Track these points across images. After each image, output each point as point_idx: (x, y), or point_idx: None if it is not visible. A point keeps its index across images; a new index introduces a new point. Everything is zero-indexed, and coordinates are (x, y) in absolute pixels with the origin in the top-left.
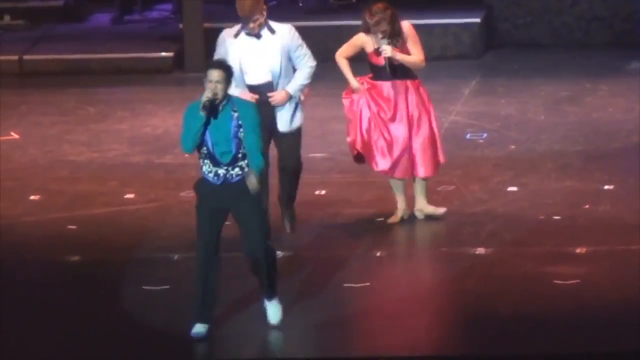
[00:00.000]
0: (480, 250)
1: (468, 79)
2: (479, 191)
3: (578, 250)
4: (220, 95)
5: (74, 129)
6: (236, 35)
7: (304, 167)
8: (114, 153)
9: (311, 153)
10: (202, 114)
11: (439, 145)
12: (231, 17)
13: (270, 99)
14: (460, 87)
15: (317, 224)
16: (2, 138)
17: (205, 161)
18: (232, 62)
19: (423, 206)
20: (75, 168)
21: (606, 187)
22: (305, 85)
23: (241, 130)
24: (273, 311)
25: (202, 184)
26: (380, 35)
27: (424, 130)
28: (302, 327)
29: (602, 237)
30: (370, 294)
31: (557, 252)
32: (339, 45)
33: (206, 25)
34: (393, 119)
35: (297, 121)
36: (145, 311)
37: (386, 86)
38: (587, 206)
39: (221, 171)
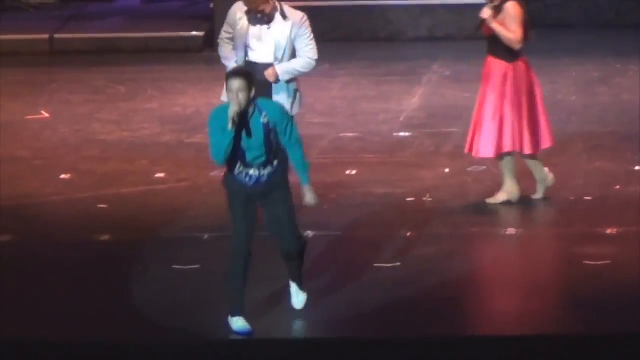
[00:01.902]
0: (511, 231)
1: None
2: None
3: (609, 231)
4: (244, 104)
5: (104, 107)
6: (248, 12)
7: (336, 146)
8: (144, 132)
9: (342, 133)
10: (231, 129)
11: (506, 133)
12: None
13: None
14: None
15: (348, 204)
16: (32, 117)
17: (236, 162)
18: (239, 35)
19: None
20: (106, 147)
21: (637, 167)
22: (299, 74)
23: (272, 134)
24: (299, 299)
25: (231, 181)
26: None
27: (496, 114)
28: (330, 307)
29: (633, 218)
30: (400, 274)
31: (588, 233)
32: (369, 26)
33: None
34: (482, 99)
35: (295, 109)
36: (175, 290)
37: (486, 61)
38: (617, 187)
39: (253, 172)
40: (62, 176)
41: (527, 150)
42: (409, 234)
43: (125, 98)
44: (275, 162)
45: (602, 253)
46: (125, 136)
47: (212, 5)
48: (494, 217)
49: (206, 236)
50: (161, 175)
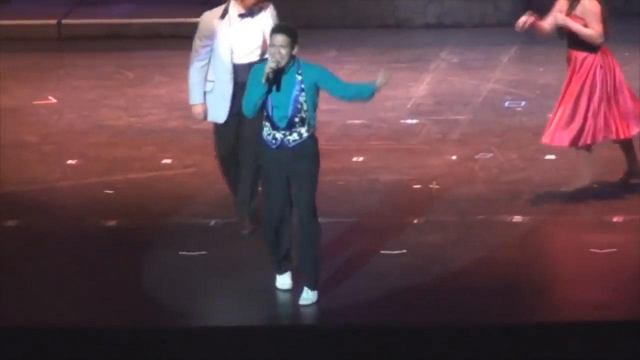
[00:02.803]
0: (517, 218)
1: (507, 46)
2: (517, 159)
3: (615, 219)
4: (284, 61)
5: (112, 93)
6: (223, 16)
7: (343, 133)
8: (151, 118)
9: (349, 120)
10: (265, 83)
11: (587, 124)
12: None
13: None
14: (499, 54)
15: (355, 191)
16: (40, 102)
17: (266, 124)
18: (223, 46)
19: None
20: (113, 133)
21: None
22: None
23: (303, 94)
24: (307, 297)
25: (262, 146)
26: None
27: (576, 104)
28: (337, 294)
29: (639, 206)
30: (407, 261)
31: (594, 221)
32: (378, 12)
33: None
34: (565, 88)
35: None
36: (182, 276)
37: (569, 54)
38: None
39: (278, 135)
40: (69, 162)
41: (622, 135)
42: (416, 221)
43: (133, 84)
44: (305, 134)
45: (608, 241)
46: (132, 122)
47: None
48: (501, 205)
49: (213, 222)
50: (168, 161)
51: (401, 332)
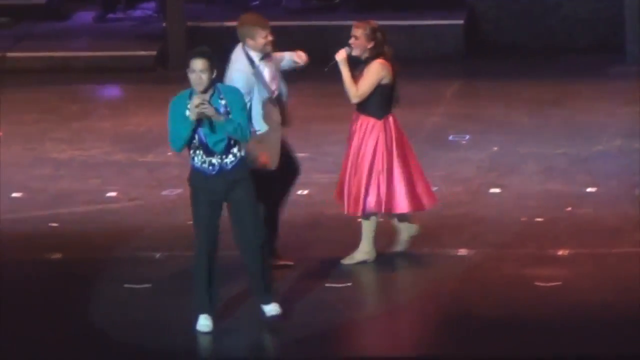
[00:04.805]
0: (462, 252)
1: (450, 80)
2: (461, 193)
3: (560, 253)
4: (205, 84)
5: (56, 127)
6: (251, 63)
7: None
8: (96, 151)
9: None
10: (193, 120)
11: (372, 192)
12: (213, 16)
13: None
14: (442, 89)
15: (300, 224)
16: None
17: (198, 152)
18: (265, 85)
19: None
20: (57, 166)
21: (588, 189)
22: None
23: (230, 116)
24: (271, 308)
25: (195, 176)
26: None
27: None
28: (281, 328)
29: (584, 240)
30: (352, 295)
31: (539, 255)
32: (321, 46)
33: (189, 24)
34: (348, 153)
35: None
36: (127, 309)
37: (355, 118)
38: (569, 209)
39: (215, 160)
40: (14, 194)
41: (400, 209)
42: None
43: (78, 117)
44: (238, 154)
45: (552, 275)
46: (77, 155)
47: (164, 24)
48: (445, 238)
49: (158, 255)
50: (113, 194)
51: None
